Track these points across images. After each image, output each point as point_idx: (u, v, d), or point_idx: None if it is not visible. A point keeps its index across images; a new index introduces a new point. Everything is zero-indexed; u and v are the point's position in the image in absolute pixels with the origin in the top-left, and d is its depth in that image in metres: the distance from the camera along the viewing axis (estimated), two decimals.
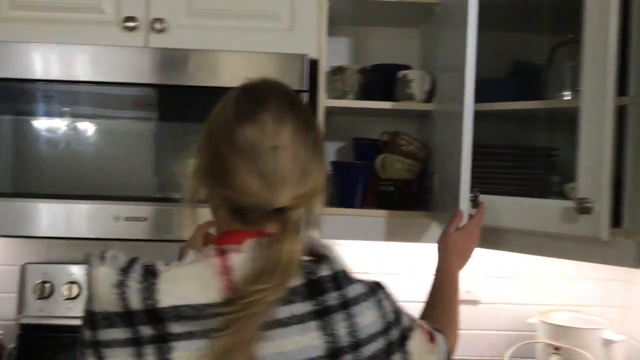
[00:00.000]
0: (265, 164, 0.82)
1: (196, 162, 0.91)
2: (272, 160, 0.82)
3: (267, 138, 0.83)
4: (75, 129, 1.55)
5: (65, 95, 1.55)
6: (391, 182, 1.69)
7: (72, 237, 1.58)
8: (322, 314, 0.80)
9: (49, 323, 1.85)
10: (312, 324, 0.79)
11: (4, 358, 1.83)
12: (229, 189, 0.84)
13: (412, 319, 0.94)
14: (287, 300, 0.79)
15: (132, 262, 0.80)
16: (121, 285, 0.76)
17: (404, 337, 0.88)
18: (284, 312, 0.79)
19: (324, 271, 0.82)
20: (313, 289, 0.80)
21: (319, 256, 0.84)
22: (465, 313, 2.03)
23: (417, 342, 0.92)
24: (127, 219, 1.52)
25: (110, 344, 0.76)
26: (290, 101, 0.89)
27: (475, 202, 1.42)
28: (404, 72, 1.71)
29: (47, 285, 1.86)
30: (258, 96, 0.88)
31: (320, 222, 0.95)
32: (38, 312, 1.86)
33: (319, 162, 0.88)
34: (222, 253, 0.81)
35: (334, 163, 1.75)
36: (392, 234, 1.67)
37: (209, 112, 0.93)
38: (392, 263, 2.00)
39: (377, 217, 1.66)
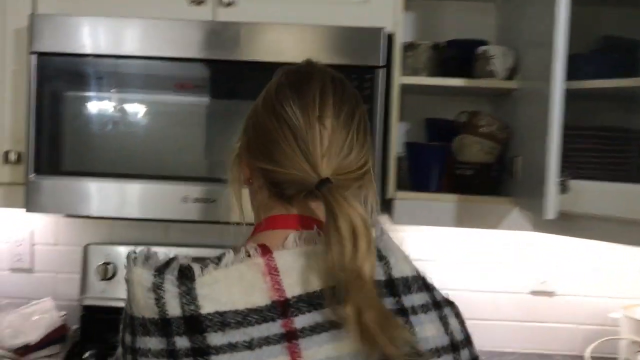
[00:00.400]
0: (308, 136, 0.77)
1: (240, 142, 0.87)
2: (315, 132, 0.78)
3: (310, 110, 0.79)
4: (142, 106, 1.51)
5: (131, 72, 1.51)
6: (469, 165, 1.59)
7: (136, 218, 1.54)
8: None
9: (112, 305, 1.83)
10: None
11: (68, 339, 1.81)
12: (271, 162, 0.79)
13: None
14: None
15: (168, 262, 0.73)
16: (158, 288, 0.70)
17: None
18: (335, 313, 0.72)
19: (379, 275, 0.75)
20: None
21: (379, 257, 0.76)
22: (539, 305, 1.93)
23: None
24: (196, 200, 1.46)
25: (146, 353, 0.70)
26: (333, 79, 0.84)
27: (564, 187, 1.31)
28: (484, 47, 1.60)
29: (109, 266, 1.83)
30: (303, 71, 0.85)
31: (376, 212, 0.90)
32: (100, 294, 1.84)
33: (362, 144, 0.81)
34: (265, 252, 0.74)
35: (407, 144, 1.66)
36: (470, 220, 1.57)
37: None
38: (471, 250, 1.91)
39: (455, 202, 1.56)
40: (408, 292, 0.76)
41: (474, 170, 1.59)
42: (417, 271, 0.78)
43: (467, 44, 1.69)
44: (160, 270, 0.72)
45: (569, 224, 1.39)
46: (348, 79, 1.44)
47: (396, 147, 1.59)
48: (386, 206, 1.59)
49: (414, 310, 0.75)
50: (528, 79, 1.50)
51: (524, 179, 1.48)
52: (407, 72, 1.64)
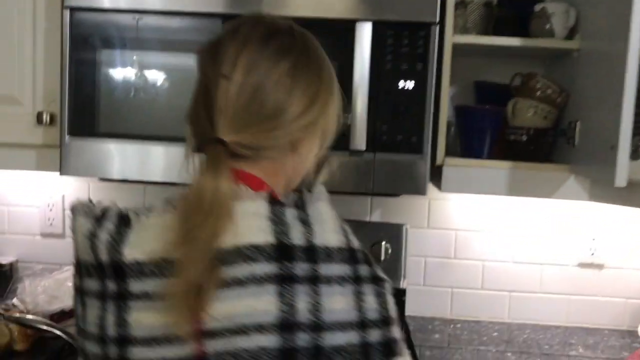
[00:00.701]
0: (211, 93, 0.77)
1: None
2: (218, 90, 0.77)
3: (219, 67, 0.78)
4: (183, 65, 1.43)
5: (171, 29, 1.43)
6: (523, 131, 1.50)
7: (173, 182, 1.48)
8: (283, 280, 0.71)
9: None
10: (271, 287, 0.70)
11: None
12: (189, 120, 0.81)
13: (404, 342, 0.79)
14: (249, 258, 0.71)
15: (106, 211, 0.78)
16: (92, 236, 0.76)
17: (389, 349, 0.74)
18: (244, 270, 0.71)
19: (297, 240, 0.73)
20: (282, 252, 0.72)
21: (303, 222, 0.74)
22: (587, 278, 1.86)
23: None
24: None
25: (88, 293, 0.76)
26: (262, 33, 0.80)
27: (637, 154, 1.23)
28: (542, 4, 1.50)
29: None
30: (230, 27, 0.83)
31: (321, 177, 0.89)
32: None
33: (289, 98, 0.78)
34: None
35: (457, 108, 1.58)
36: (523, 188, 1.49)
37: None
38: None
39: (507, 169, 1.48)
40: (328, 261, 0.73)
41: (529, 135, 1.50)
42: (349, 244, 0.75)
43: (520, 1, 1.59)
44: (98, 219, 0.77)
45: (628, 193, 1.31)
46: (399, 37, 1.39)
47: (446, 113, 1.50)
48: (434, 173, 1.51)
49: (329, 280, 0.72)
50: (592, 38, 1.40)
51: (583, 146, 1.40)
52: (456, 31, 1.55)
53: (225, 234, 0.72)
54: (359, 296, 0.73)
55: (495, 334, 1.80)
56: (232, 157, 0.77)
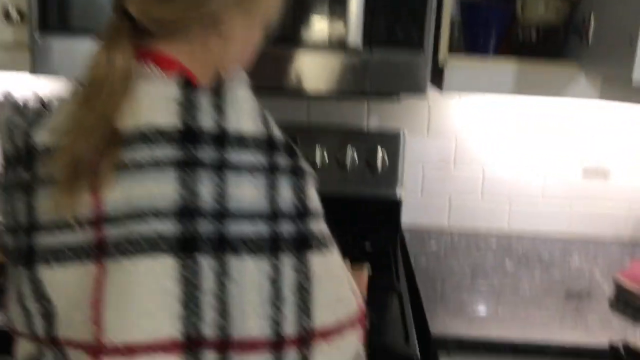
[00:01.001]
0: None
1: None
2: None
3: None
4: None
5: None
6: (533, 27, 1.39)
7: None
8: (185, 165, 0.67)
9: None
10: (171, 172, 0.66)
11: None
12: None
13: (329, 239, 0.73)
14: (150, 140, 0.67)
15: (28, 101, 0.76)
16: (13, 125, 0.74)
17: (302, 242, 0.69)
18: (144, 152, 0.67)
19: (206, 124, 0.68)
20: (187, 136, 0.68)
21: (217, 107, 0.70)
22: (591, 187, 1.80)
23: (330, 266, 0.72)
24: None
25: (8, 185, 0.73)
26: None
27: None
28: None
29: None
30: None
31: (244, 63, 0.81)
32: None
33: None
34: None
35: (463, 4, 1.46)
36: (530, 86, 1.40)
37: None
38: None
39: (514, 67, 1.38)
40: (239, 148, 0.69)
41: (538, 33, 1.39)
42: (267, 133, 0.71)
43: None
44: (20, 109, 0.75)
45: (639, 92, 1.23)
46: None
47: (450, 6, 1.39)
48: (435, 74, 1.41)
49: (238, 168, 0.68)
50: None
51: (597, 42, 1.29)
52: None
53: (123, 113, 0.68)
54: (272, 186, 0.70)
55: (494, 243, 1.76)
56: (142, 34, 0.73)
